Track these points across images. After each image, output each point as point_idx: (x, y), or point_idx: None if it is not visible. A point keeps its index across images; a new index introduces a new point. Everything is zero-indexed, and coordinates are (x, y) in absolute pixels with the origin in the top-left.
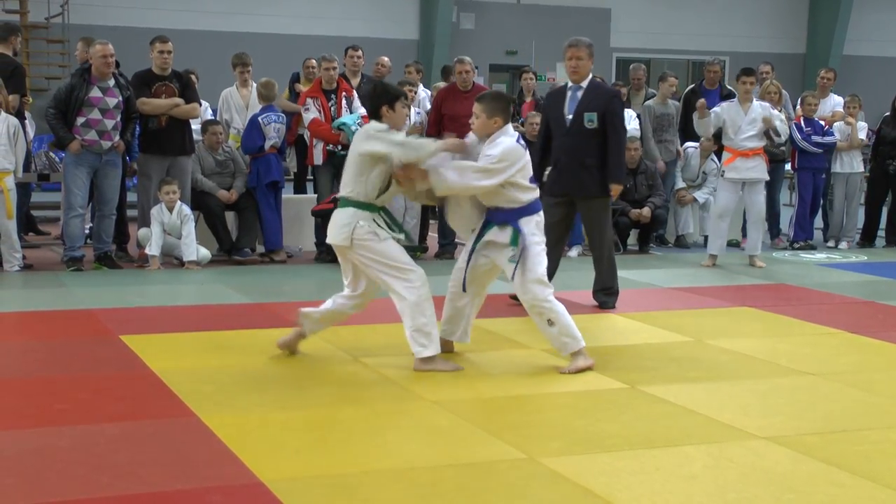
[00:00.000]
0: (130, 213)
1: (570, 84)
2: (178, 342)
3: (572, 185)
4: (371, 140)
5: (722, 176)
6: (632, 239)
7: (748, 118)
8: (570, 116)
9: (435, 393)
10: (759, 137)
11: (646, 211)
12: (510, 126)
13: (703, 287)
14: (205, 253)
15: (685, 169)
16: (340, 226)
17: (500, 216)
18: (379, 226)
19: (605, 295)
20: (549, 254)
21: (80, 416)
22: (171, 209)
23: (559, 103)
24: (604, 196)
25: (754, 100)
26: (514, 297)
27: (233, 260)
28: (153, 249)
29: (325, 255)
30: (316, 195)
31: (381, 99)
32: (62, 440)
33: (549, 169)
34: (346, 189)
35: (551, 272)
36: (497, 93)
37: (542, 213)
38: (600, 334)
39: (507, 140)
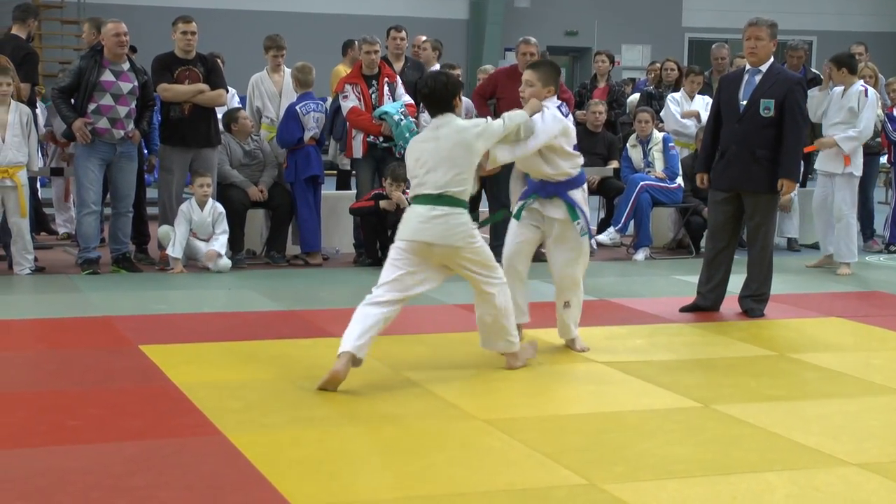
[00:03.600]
0: (151, 210)
1: (747, 67)
2: (203, 353)
3: (740, 177)
4: (481, 139)
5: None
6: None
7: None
8: (745, 102)
9: (486, 411)
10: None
11: None
12: (555, 98)
13: (787, 295)
14: (225, 262)
15: None
16: (455, 225)
17: (549, 188)
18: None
19: (756, 301)
20: (717, 260)
21: (95, 433)
22: (202, 205)
23: (734, 88)
24: (773, 193)
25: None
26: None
27: (263, 262)
28: (176, 251)
29: (365, 257)
30: (355, 192)
31: (454, 90)
32: (75, 460)
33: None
34: (448, 186)
35: (722, 280)
36: (550, 61)
37: (586, 185)
38: (670, 346)
39: (548, 110)
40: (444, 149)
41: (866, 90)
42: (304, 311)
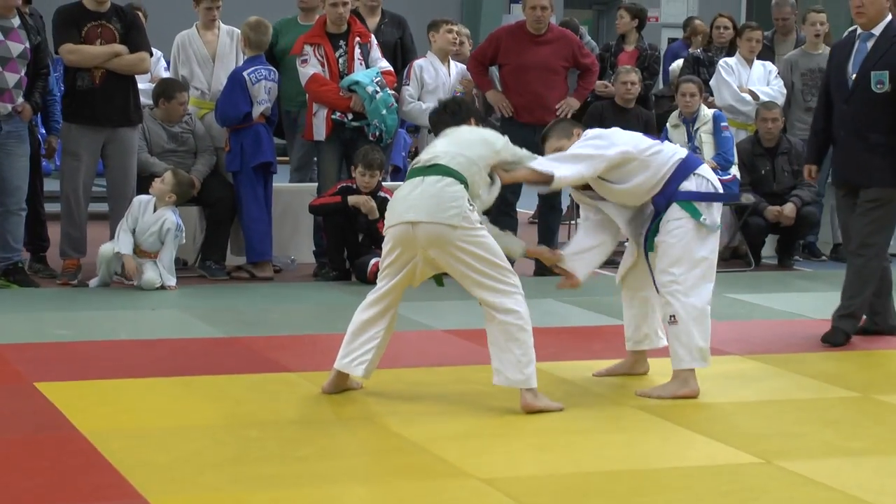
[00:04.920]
0: (50, 208)
1: (858, 31)
2: (119, 392)
3: (852, 169)
4: (500, 142)
5: None
6: (768, 248)
7: None
8: (854, 76)
9: (485, 467)
10: None
11: (788, 209)
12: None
13: None
14: (151, 276)
15: None
16: (444, 199)
17: (660, 201)
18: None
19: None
20: (863, 270)
21: None
22: (156, 207)
23: (843, 58)
24: (893, 187)
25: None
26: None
27: (196, 276)
28: (122, 245)
29: (329, 269)
30: (316, 184)
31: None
32: None
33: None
34: (442, 156)
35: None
36: (562, 119)
37: (705, 167)
38: (723, 385)
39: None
40: (453, 133)
41: None
42: (250, 337)
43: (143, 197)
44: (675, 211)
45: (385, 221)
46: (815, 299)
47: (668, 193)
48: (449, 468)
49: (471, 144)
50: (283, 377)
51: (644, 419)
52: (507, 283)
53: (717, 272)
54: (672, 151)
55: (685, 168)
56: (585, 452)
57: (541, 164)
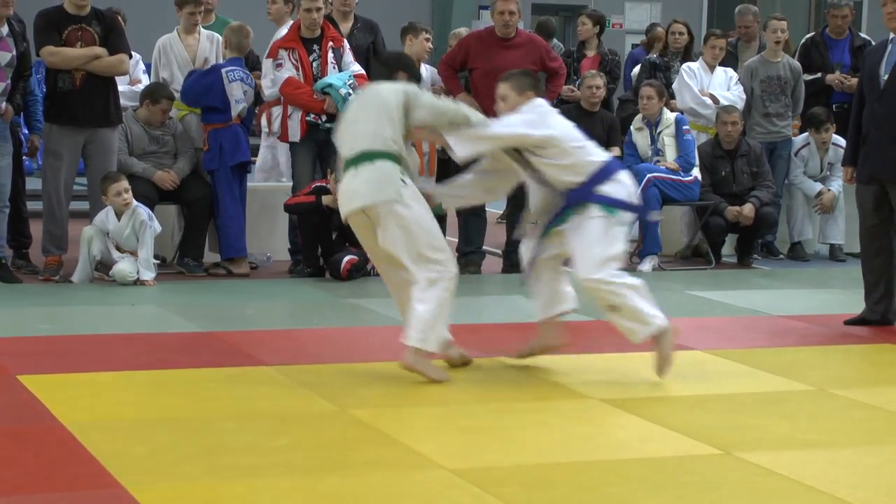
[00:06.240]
0: (32, 206)
1: (891, 36)
2: (99, 385)
3: (882, 164)
4: (418, 108)
5: None
6: (728, 247)
7: None
8: (885, 77)
9: (454, 458)
10: None
11: (747, 209)
12: (540, 100)
13: (829, 315)
14: (123, 268)
15: (807, 164)
16: (379, 180)
17: (574, 196)
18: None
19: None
20: (876, 267)
21: None
22: (120, 214)
23: (876, 61)
24: None
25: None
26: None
27: (175, 272)
28: (77, 275)
29: (303, 266)
30: (291, 184)
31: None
32: None
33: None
34: (370, 141)
35: (887, 291)
36: (524, 69)
37: (624, 174)
38: (684, 379)
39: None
40: (370, 103)
41: None
42: (226, 332)
43: (99, 215)
44: (593, 210)
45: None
46: (772, 296)
47: (583, 193)
48: (420, 459)
49: (381, 118)
50: (259, 371)
51: (608, 412)
52: (433, 256)
53: (679, 270)
54: (595, 152)
55: (605, 171)
56: (551, 444)
57: (452, 138)
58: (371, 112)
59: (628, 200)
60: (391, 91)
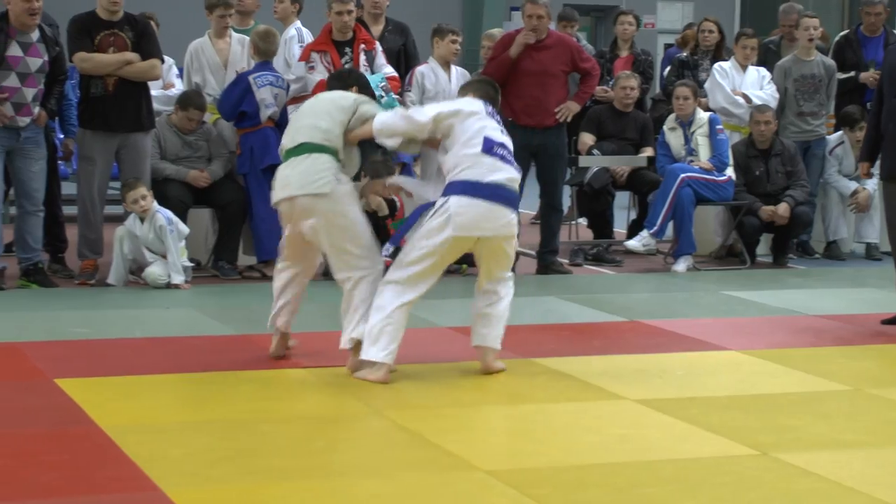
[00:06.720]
0: (68, 210)
1: None
2: (135, 388)
3: None
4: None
5: None
6: (763, 247)
7: None
8: None
9: (490, 460)
10: None
11: (782, 208)
12: (467, 99)
13: (865, 315)
14: (154, 271)
15: (842, 162)
16: (316, 171)
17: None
18: None
19: None
20: None
21: (1, 489)
22: (143, 219)
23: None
24: None
25: None
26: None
27: (209, 275)
28: (111, 277)
29: None
30: None
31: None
32: None
33: None
34: (309, 134)
35: None
36: (481, 78)
37: (468, 202)
38: (719, 379)
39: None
40: (323, 99)
41: None
42: (261, 335)
43: (126, 222)
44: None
45: (272, 201)
46: (808, 296)
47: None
48: (455, 461)
49: (323, 114)
50: (293, 373)
51: (643, 412)
52: (360, 260)
53: (714, 270)
54: (475, 168)
55: (455, 188)
56: (586, 445)
57: (377, 118)
58: (317, 110)
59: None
60: (341, 95)
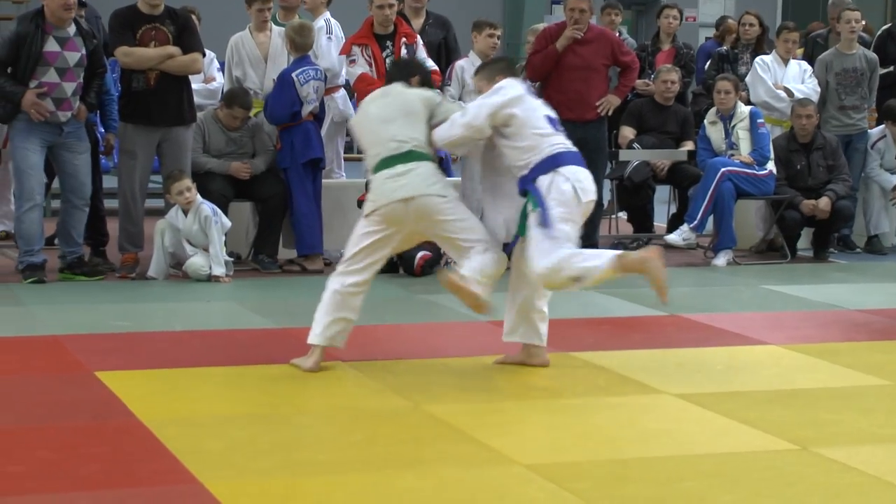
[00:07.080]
0: (109, 204)
1: None
2: (175, 381)
3: None
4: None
5: None
6: (804, 241)
7: None
8: None
9: (529, 454)
10: None
11: (823, 202)
12: (508, 80)
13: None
14: (196, 262)
15: (883, 156)
16: (429, 175)
17: (520, 185)
18: None
19: None
20: None
21: (43, 482)
22: (187, 211)
23: None
24: None
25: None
26: None
27: (249, 269)
28: (152, 269)
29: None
30: (364, 180)
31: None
32: None
33: None
34: (409, 143)
35: None
36: (496, 57)
37: (571, 168)
38: (759, 374)
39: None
40: (392, 105)
41: None
42: (301, 328)
43: (169, 213)
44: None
45: (370, 204)
46: (849, 290)
47: (526, 181)
48: (494, 455)
49: (416, 121)
50: (333, 367)
51: (682, 407)
52: (473, 239)
53: (754, 264)
54: (555, 142)
55: (551, 162)
56: (626, 439)
57: (436, 132)
58: (405, 115)
59: (545, 199)
60: (411, 100)
